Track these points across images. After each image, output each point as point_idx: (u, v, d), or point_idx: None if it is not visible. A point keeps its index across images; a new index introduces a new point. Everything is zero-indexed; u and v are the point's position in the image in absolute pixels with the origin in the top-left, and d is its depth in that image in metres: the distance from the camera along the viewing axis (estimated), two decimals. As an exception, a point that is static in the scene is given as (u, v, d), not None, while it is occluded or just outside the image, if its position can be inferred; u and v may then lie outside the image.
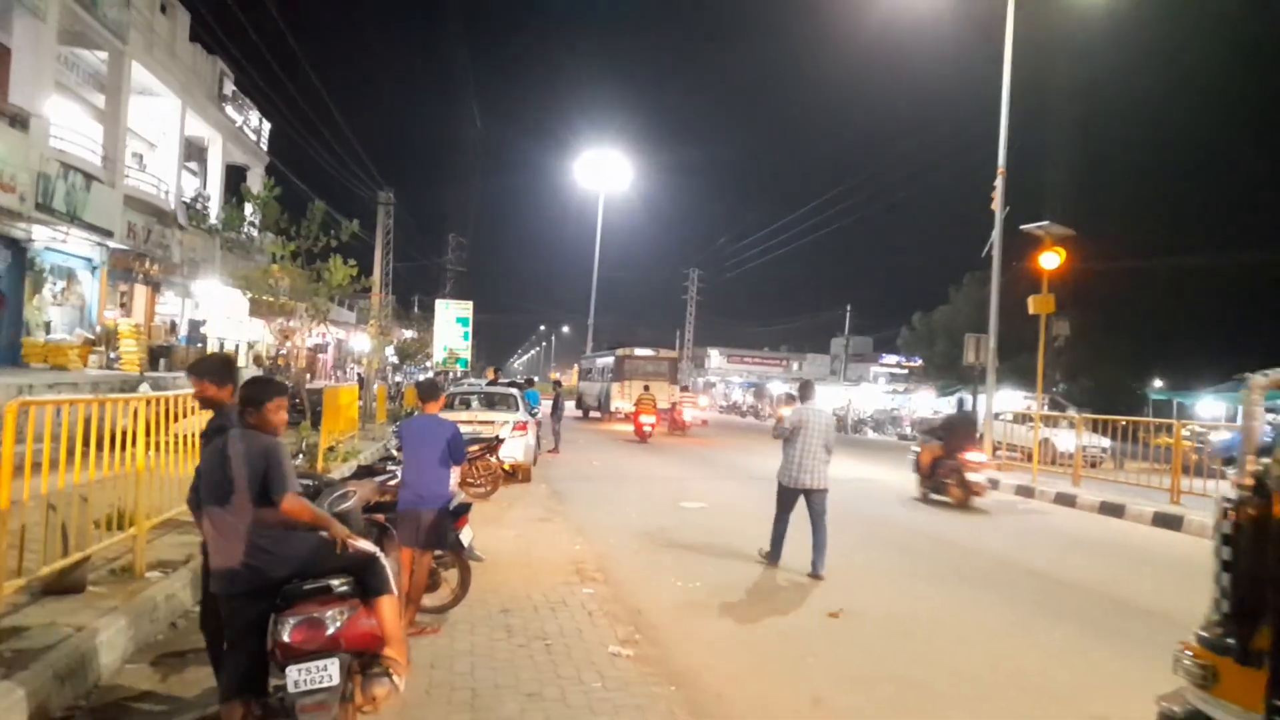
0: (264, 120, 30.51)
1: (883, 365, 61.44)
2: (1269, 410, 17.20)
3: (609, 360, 34.88)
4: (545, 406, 22.49)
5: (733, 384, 63.97)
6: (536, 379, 28.30)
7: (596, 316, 52.79)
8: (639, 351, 33.98)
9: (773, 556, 8.57)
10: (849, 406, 40.83)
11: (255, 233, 17.95)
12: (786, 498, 8.49)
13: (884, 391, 50.12)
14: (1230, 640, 2.24)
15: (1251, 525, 2.18)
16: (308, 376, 20.17)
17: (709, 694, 5.00)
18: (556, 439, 20.31)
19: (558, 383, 49.83)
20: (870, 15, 21.85)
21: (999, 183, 17.90)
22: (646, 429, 24.48)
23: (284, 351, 18.17)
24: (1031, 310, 17.11)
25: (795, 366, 71.24)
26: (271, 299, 16.18)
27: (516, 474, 13.93)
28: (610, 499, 12.89)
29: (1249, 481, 2.17)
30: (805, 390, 8.95)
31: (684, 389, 36.18)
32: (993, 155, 18.07)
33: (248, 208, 16.86)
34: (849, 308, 63.24)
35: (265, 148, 30.70)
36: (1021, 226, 17.28)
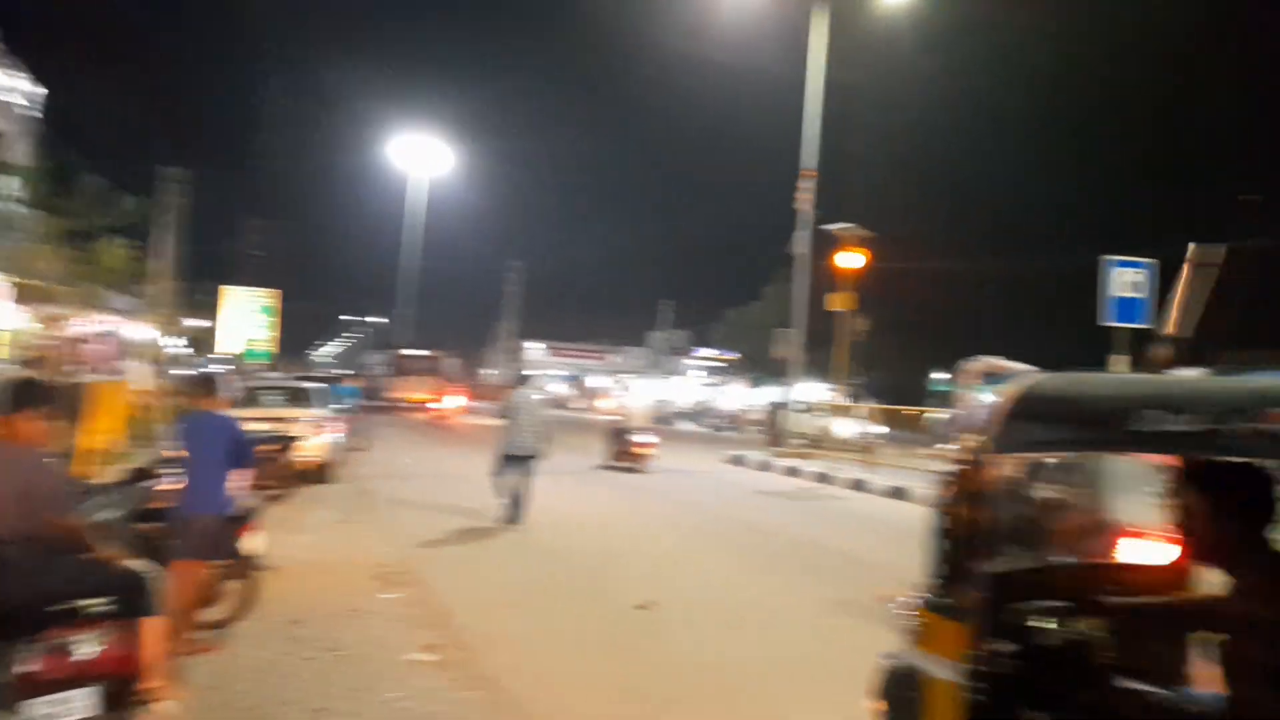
0: (38, 84, 27.11)
1: (698, 358, 63.43)
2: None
3: (387, 357, 41.48)
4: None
5: (554, 376, 64.00)
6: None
7: (419, 307, 51.23)
8: (410, 352, 40.11)
9: (508, 513, 10.16)
10: (666, 399, 41.93)
11: (22, 209, 15.95)
12: (506, 462, 10.40)
13: (703, 384, 51.85)
14: (945, 600, 2.46)
15: (963, 496, 2.43)
16: (71, 370, 18.19)
17: (517, 696, 4.90)
18: (365, 436, 19.46)
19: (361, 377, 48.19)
20: (693, 11, 22.42)
21: (804, 183, 18.88)
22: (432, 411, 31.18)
23: (50, 343, 16.26)
24: (831, 307, 18.20)
25: (618, 359, 72.28)
26: (40, 283, 14.44)
27: (320, 474, 13.19)
28: (422, 496, 12.47)
29: (964, 456, 2.42)
30: (521, 382, 11.63)
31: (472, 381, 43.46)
32: (812, 155, 18.94)
33: (13, 181, 14.93)
34: (665, 302, 64.92)
35: (37, 115, 27.29)
36: (822, 227, 18.33)
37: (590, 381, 55.58)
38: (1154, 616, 2.46)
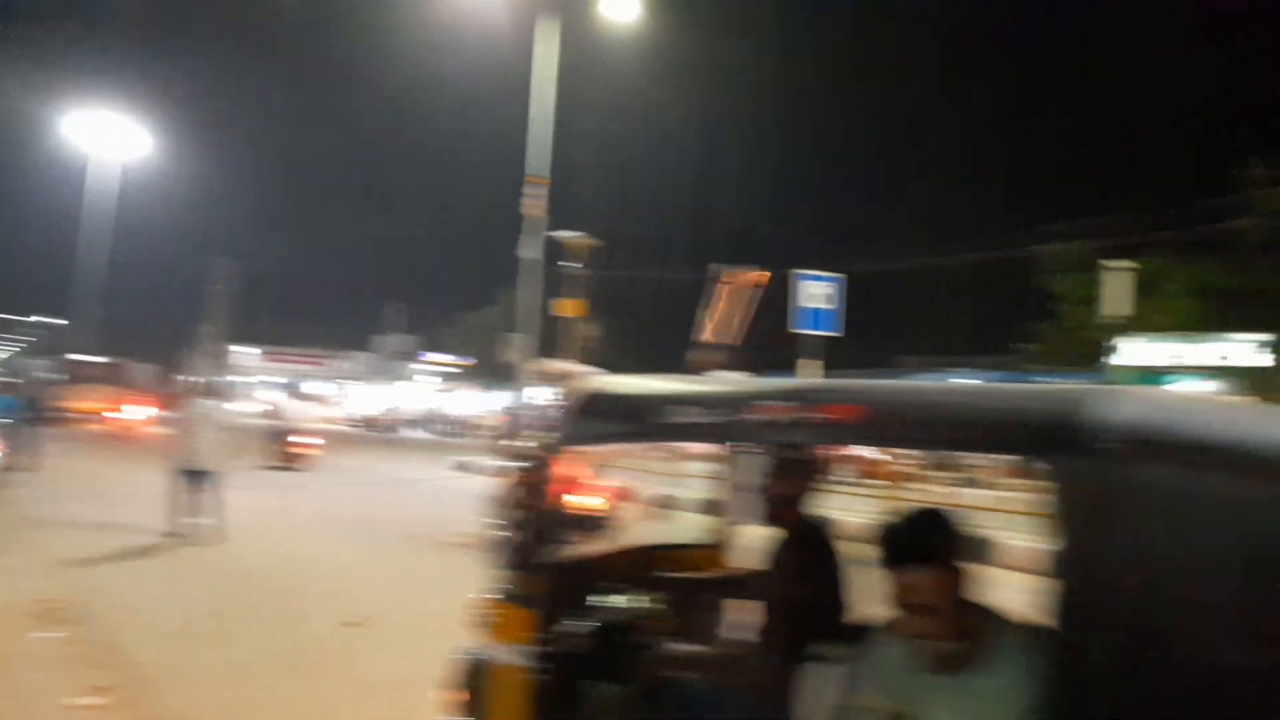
0: None
1: (428, 363, 61.76)
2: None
3: (56, 363, 39.23)
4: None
5: (268, 384, 59.19)
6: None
7: (109, 307, 45.20)
8: (82, 358, 38.21)
9: (188, 531, 9.59)
10: (392, 405, 40.43)
11: None
12: (183, 476, 9.83)
13: (434, 390, 50.57)
14: (516, 589, 2.65)
15: (532, 488, 2.66)
16: None
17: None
18: (31, 452, 16.75)
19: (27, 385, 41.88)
20: (422, 11, 21.79)
21: (531, 189, 19.00)
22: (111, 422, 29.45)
23: None
24: (559, 313, 18.52)
25: (342, 365, 68.39)
26: None
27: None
28: (91, 518, 10.94)
29: (533, 451, 2.64)
30: (203, 389, 11.39)
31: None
32: (543, 161, 19.01)
33: None
34: (393, 304, 62.61)
35: None
36: (550, 233, 18.59)
37: (307, 388, 52.14)
38: (698, 588, 2.97)
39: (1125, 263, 10.86)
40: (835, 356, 12.14)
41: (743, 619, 2.75)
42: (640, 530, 7.90)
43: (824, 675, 2.17)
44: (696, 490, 5.15)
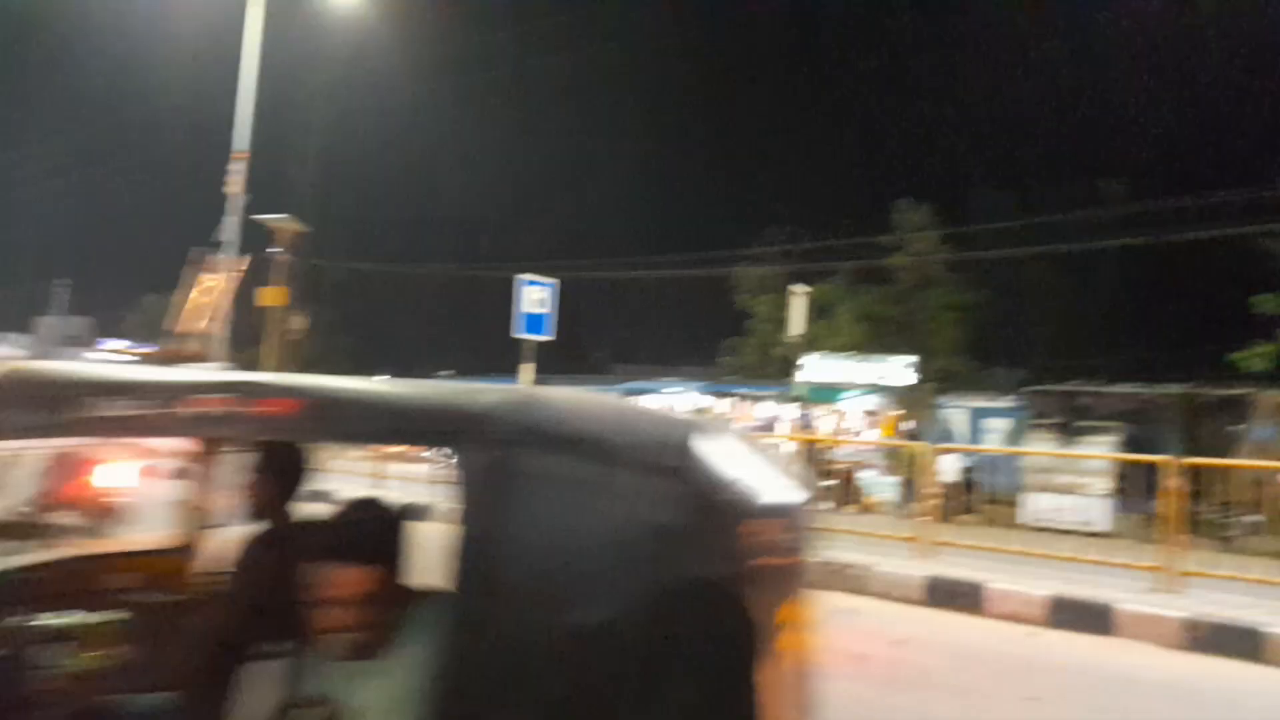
0: None
1: (106, 351, 54.34)
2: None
3: None
4: None
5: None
6: None
7: None
8: None
9: None
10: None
11: None
12: None
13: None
14: None
15: None
16: None
17: None
18: None
19: None
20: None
21: (236, 165, 17.51)
22: None
23: None
24: (261, 302, 17.20)
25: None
26: None
27: None
28: None
29: None
30: None
31: None
32: (246, 136, 17.55)
33: None
34: (60, 282, 54.43)
35: None
36: (255, 217, 17.23)
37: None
38: (151, 609, 2.80)
39: (804, 288, 12.22)
40: (561, 364, 12.42)
41: (197, 624, 2.72)
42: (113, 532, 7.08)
43: (267, 674, 2.22)
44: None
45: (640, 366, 34.68)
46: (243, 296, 18.17)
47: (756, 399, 23.19)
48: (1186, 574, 8.18)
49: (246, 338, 20.51)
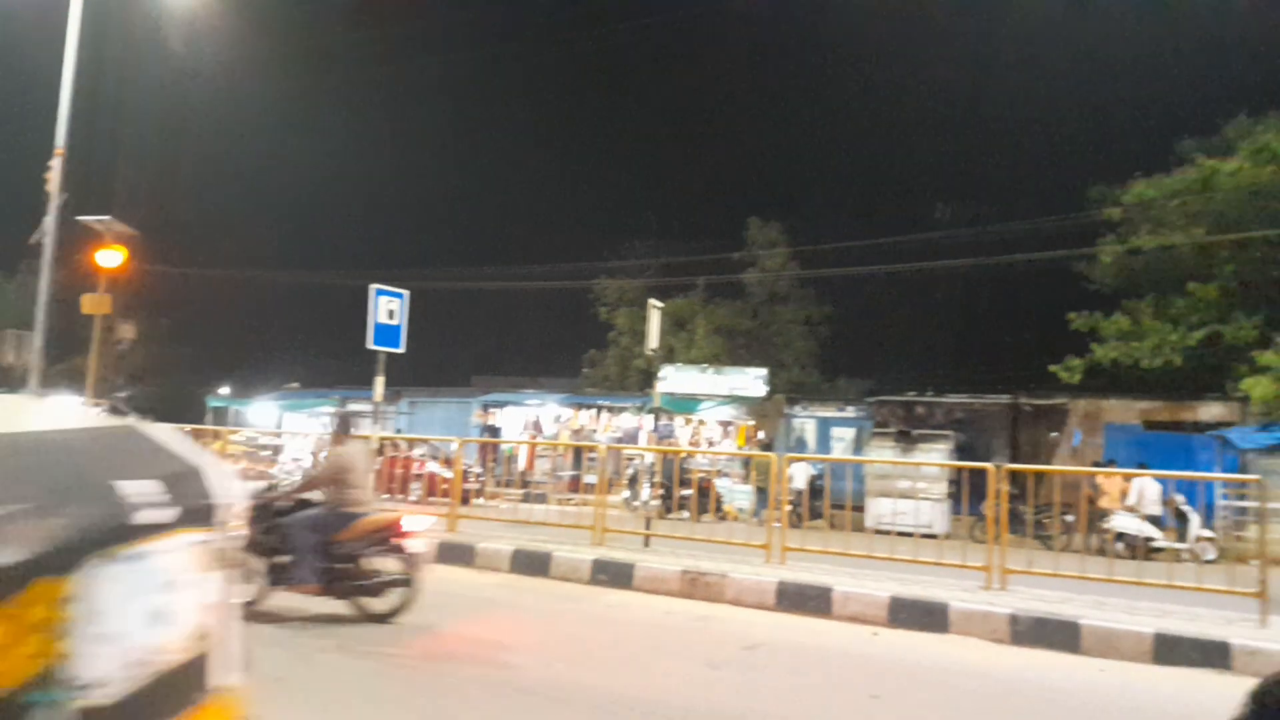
0: None
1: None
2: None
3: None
4: None
5: None
6: None
7: None
8: None
9: None
10: None
11: None
12: None
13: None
14: None
15: None
16: None
17: None
18: None
19: None
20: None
21: (55, 163, 16.04)
22: None
23: None
24: (85, 310, 15.82)
25: None
26: None
27: None
28: None
29: None
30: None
31: None
32: (64, 131, 16.05)
33: None
34: None
35: None
36: (79, 218, 15.84)
37: None
38: None
39: (657, 303, 12.36)
40: (422, 374, 12.00)
41: None
42: None
43: None
44: None
45: (500, 378, 34.19)
46: (67, 302, 16.66)
47: (617, 410, 23.31)
48: (1010, 572, 8.77)
49: (71, 345, 18.80)
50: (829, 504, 11.14)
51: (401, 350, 11.79)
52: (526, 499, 17.03)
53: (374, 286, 11.76)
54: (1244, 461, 15.99)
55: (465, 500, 14.49)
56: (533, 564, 9.44)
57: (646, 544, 10.53)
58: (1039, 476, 12.22)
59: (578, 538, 10.55)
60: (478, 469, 17.61)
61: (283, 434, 24.47)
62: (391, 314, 11.53)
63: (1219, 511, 13.58)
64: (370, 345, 11.67)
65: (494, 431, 23.99)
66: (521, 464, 20.37)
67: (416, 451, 17.27)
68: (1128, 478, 14.36)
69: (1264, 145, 18.34)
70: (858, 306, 28.72)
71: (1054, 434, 19.77)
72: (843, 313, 27.47)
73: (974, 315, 29.21)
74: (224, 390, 49.40)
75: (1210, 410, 18.64)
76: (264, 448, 20.07)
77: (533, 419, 24.20)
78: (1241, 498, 14.78)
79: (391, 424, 24.18)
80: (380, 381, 11.80)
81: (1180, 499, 14.03)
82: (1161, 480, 13.91)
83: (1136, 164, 21.31)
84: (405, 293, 11.82)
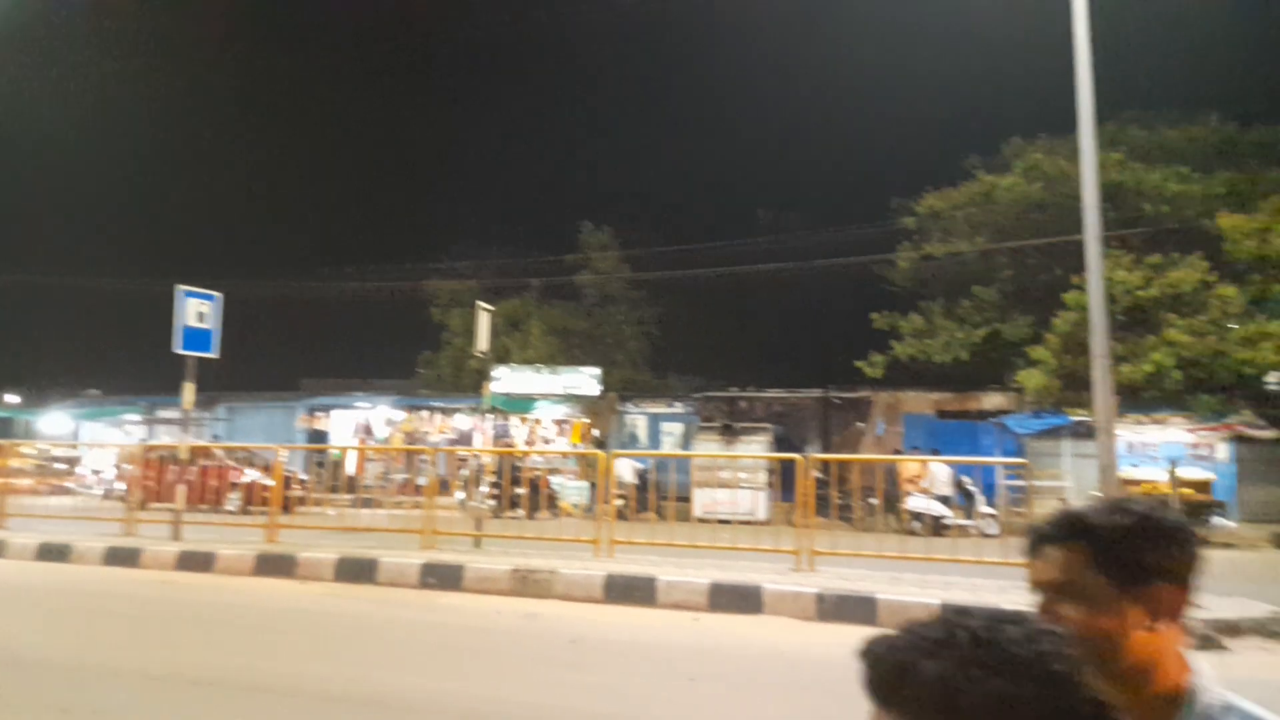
0: None
1: None
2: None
3: None
4: None
5: None
6: None
7: None
8: None
9: None
10: None
11: None
12: None
13: None
14: None
15: None
16: None
17: None
18: None
19: None
20: None
21: None
22: None
23: None
24: None
25: None
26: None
27: None
28: None
29: None
30: None
31: None
32: None
33: None
34: None
35: None
36: None
37: None
38: None
39: (485, 305, 12.42)
40: (247, 379, 11.43)
41: None
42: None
43: None
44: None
45: (331, 381, 32.83)
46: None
47: (451, 411, 23.04)
48: (818, 554, 9.51)
49: None
50: (655, 497, 11.61)
51: (214, 355, 11.22)
52: (356, 505, 16.56)
53: (180, 288, 11.12)
54: (1020, 445, 17.96)
55: (288, 509, 13.95)
56: (358, 571, 9.29)
57: (478, 545, 10.59)
58: (843, 464, 13.25)
59: (408, 542, 10.46)
60: (303, 476, 16.95)
61: (79, 445, 22.43)
62: (201, 316, 10.95)
63: (999, 490, 15.18)
64: (177, 349, 11.04)
65: (321, 436, 23.09)
66: (351, 469, 19.75)
67: (233, 460, 16.39)
68: (923, 462, 15.80)
69: (1034, 164, 20.61)
70: (686, 307, 29.74)
71: (860, 424, 21.38)
72: (672, 313, 28.36)
73: (791, 314, 30.99)
74: (11, 399, 44.49)
75: (992, 400, 20.77)
76: (59, 460, 18.41)
77: (363, 422, 23.49)
78: (1018, 477, 16.60)
79: (207, 432, 22.75)
80: (190, 388, 11.18)
81: (968, 480, 15.58)
82: (953, 464, 15.40)
83: (932, 178, 23.43)
84: (218, 295, 11.25)
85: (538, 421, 22.37)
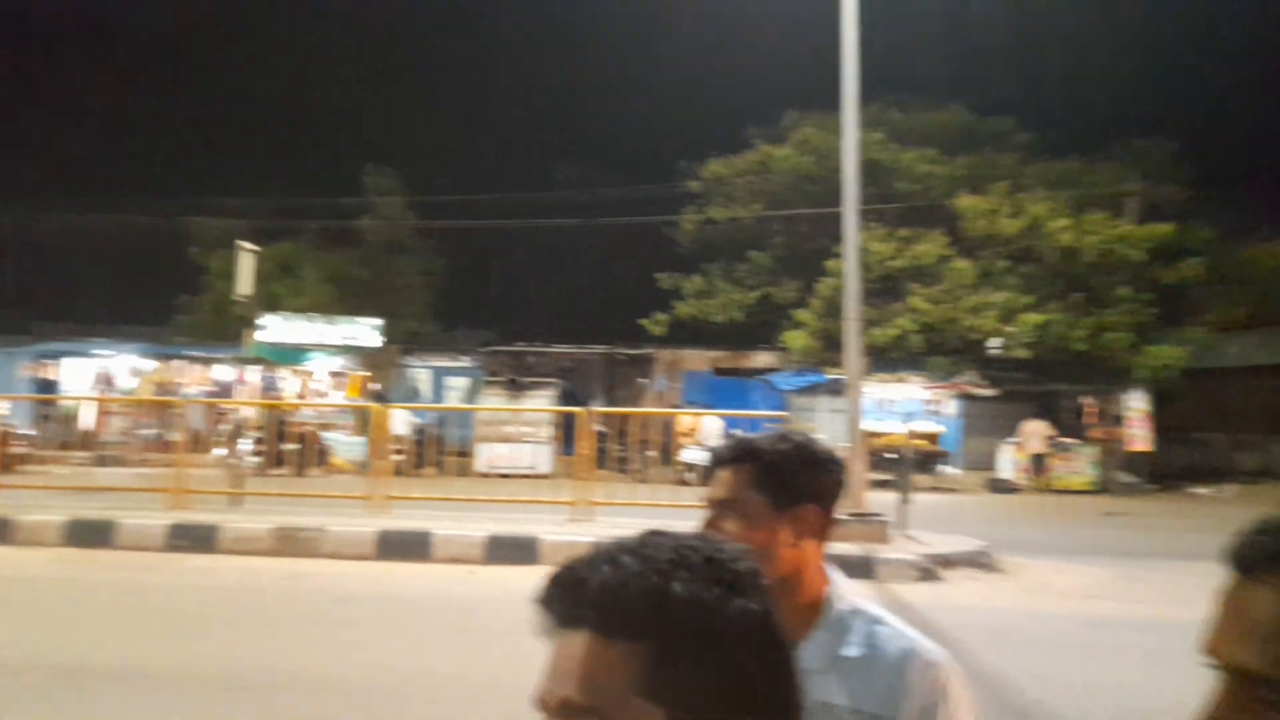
0: None
1: None
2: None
3: None
4: None
5: None
6: None
7: None
8: None
9: None
10: None
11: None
12: None
13: None
14: None
15: None
16: None
17: None
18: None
19: None
20: None
21: None
22: None
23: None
24: None
25: None
26: None
27: None
28: None
29: None
30: None
31: None
32: None
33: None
34: None
35: None
36: None
37: None
38: None
39: (250, 245, 11.50)
40: None
41: None
42: None
43: None
44: None
45: (66, 325, 29.10)
46: None
47: (210, 362, 21.25)
48: (595, 504, 9.77)
49: None
50: (435, 452, 11.40)
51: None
52: (94, 463, 14.99)
53: None
54: (785, 401, 19.34)
55: (8, 468, 12.40)
56: (92, 535, 8.40)
57: (239, 504, 9.91)
58: (624, 417, 13.65)
59: (155, 503, 9.59)
60: (28, 430, 15.05)
61: None
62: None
63: (765, 443, 16.30)
64: None
65: (50, 387, 20.55)
66: (89, 423, 17.74)
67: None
68: (696, 416, 16.64)
69: (806, 138, 21.97)
70: (475, 259, 29.09)
71: (643, 380, 22.10)
72: (461, 265, 27.63)
73: (581, 272, 31.21)
74: None
75: (763, 359, 22.16)
76: None
77: (104, 372, 21.12)
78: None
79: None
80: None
81: (736, 433, 16.58)
82: (723, 418, 16.32)
83: (718, 144, 24.27)
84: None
85: (310, 374, 21.14)
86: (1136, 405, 18.75)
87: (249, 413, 15.31)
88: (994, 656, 5.51)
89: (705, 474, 1.41)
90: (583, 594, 0.66)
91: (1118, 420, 19.14)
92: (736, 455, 1.36)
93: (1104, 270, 19.15)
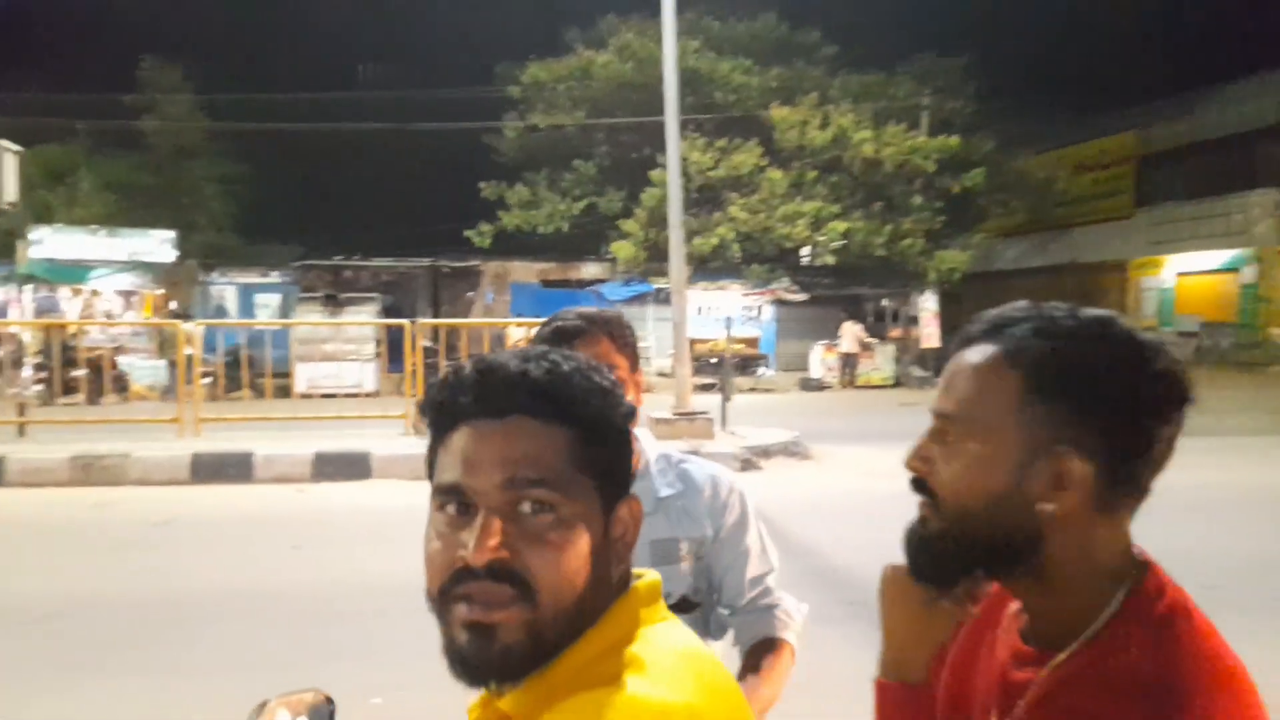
0: None
1: None
2: None
3: None
4: None
5: None
6: None
7: None
8: None
9: None
10: None
11: None
12: None
13: None
14: None
15: None
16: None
17: None
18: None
19: None
20: None
21: None
22: None
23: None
24: None
25: None
26: None
27: None
28: None
29: None
30: None
31: None
32: None
33: None
34: None
35: None
36: None
37: None
38: None
39: (10, 144, 10.15)
40: None
41: None
42: None
43: None
44: None
45: None
46: None
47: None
48: (427, 417, 9.68)
49: None
50: (250, 373, 10.83)
51: None
52: None
53: None
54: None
55: None
56: None
57: (22, 433, 9.06)
58: (452, 330, 13.45)
59: (-79, 439, 8.60)
60: None
61: None
62: None
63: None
64: None
65: None
66: None
67: None
68: (528, 328, 16.57)
69: (626, 44, 21.73)
70: (281, 166, 26.98)
71: (470, 294, 21.69)
72: (264, 172, 25.56)
73: (399, 180, 29.81)
74: None
75: (591, 269, 22.30)
76: None
77: None
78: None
79: None
80: None
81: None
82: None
83: (536, 47, 23.52)
84: None
85: (95, 293, 19.18)
86: (928, 306, 20.53)
87: (27, 337, 13.80)
88: (805, 527, 6.22)
89: (574, 342, 1.56)
90: (525, 385, 0.73)
91: (913, 320, 20.91)
92: (593, 327, 1.60)
93: (901, 180, 20.47)
